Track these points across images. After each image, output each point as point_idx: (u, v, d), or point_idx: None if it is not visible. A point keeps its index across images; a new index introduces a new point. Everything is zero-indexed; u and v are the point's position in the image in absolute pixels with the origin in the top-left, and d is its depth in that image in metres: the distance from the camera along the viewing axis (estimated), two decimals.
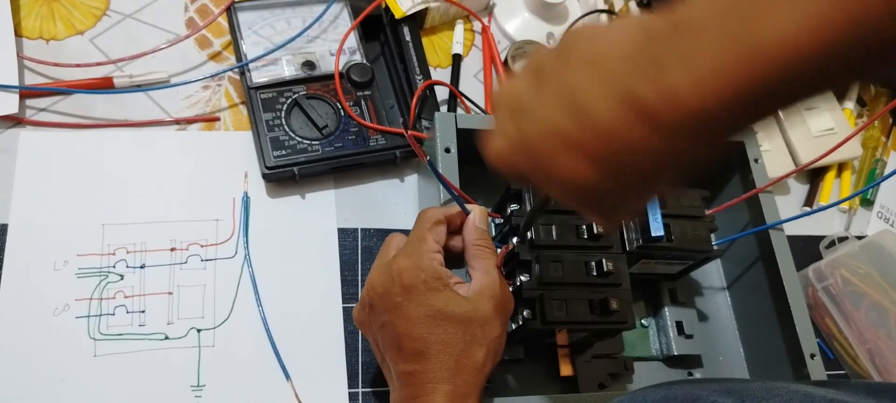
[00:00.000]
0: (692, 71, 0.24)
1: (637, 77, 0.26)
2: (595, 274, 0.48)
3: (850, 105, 0.77)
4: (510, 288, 0.47)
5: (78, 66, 0.58)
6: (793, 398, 0.35)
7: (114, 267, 0.52)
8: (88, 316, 0.50)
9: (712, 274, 0.63)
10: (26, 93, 0.56)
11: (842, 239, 0.67)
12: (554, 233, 0.48)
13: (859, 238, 0.67)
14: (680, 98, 0.25)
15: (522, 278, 0.48)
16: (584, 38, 0.28)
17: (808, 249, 0.67)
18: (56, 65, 0.58)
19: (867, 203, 0.73)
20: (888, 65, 0.24)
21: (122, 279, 0.52)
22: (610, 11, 0.70)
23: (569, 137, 0.28)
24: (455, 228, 0.47)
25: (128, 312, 0.51)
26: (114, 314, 0.50)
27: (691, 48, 0.24)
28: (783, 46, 0.23)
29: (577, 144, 0.28)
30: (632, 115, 0.26)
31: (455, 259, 0.47)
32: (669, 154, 0.27)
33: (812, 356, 0.53)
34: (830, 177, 0.73)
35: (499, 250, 0.47)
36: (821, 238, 0.68)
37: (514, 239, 0.48)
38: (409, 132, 0.52)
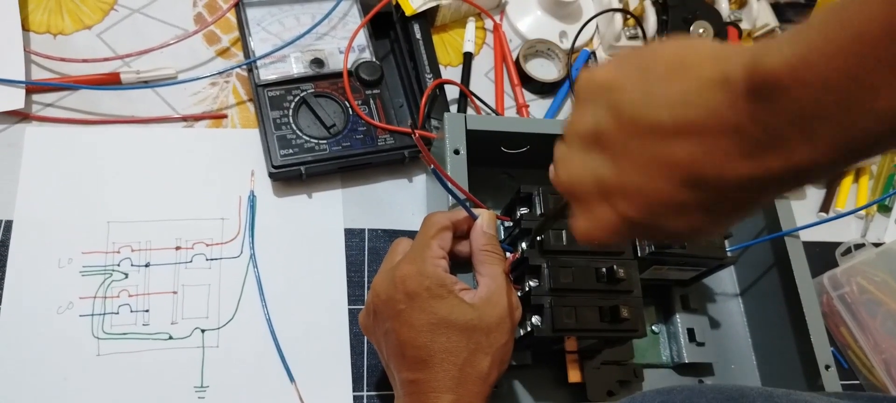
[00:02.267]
0: (816, 147, 0.24)
1: (764, 149, 0.25)
2: (606, 280, 0.47)
3: None
4: (519, 294, 0.46)
5: (85, 61, 0.58)
6: None
7: (118, 265, 0.51)
8: (92, 315, 0.49)
9: (725, 280, 0.62)
10: (33, 88, 0.56)
11: (858, 246, 0.65)
12: (564, 238, 0.47)
13: (876, 245, 0.66)
14: (802, 165, 0.25)
15: (531, 283, 0.47)
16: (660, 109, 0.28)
17: (823, 256, 0.66)
18: (63, 60, 0.57)
19: (885, 209, 0.71)
20: None
21: (126, 277, 0.51)
22: (624, 11, 0.69)
23: (683, 204, 0.28)
24: (463, 232, 0.46)
25: (132, 311, 0.50)
26: (118, 313, 0.50)
27: (811, 123, 0.24)
28: None
29: (692, 205, 0.28)
30: (751, 177, 0.26)
31: (462, 264, 0.46)
32: (776, 191, 0.28)
33: (827, 367, 0.51)
34: (847, 182, 0.71)
35: (508, 255, 0.46)
36: (837, 244, 0.66)
37: (524, 245, 0.47)
38: (417, 132, 0.52)
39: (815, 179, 0.27)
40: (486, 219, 0.45)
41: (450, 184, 0.46)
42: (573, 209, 0.33)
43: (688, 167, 0.27)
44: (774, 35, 0.75)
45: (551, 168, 0.34)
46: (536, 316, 0.46)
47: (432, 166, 0.44)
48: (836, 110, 0.23)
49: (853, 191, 0.71)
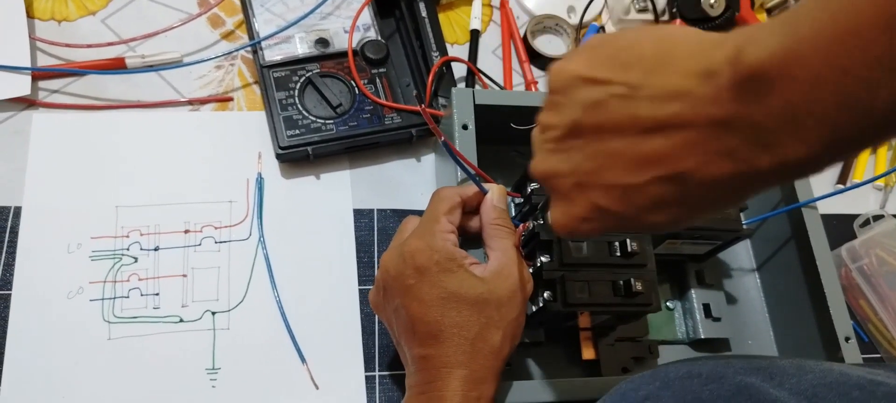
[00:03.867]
0: (808, 145, 0.23)
1: (752, 147, 0.24)
2: (618, 254, 0.46)
3: None
4: (530, 269, 0.45)
5: (90, 46, 0.57)
6: (827, 376, 0.33)
7: (127, 249, 0.51)
8: (102, 299, 0.49)
9: (741, 254, 0.61)
10: (39, 74, 0.56)
11: (877, 218, 0.64)
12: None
13: (895, 216, 0.64)
14: (792, 163, 0.24)
15: (543, 258, 0.46)
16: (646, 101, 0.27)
17: (841, 228, 0.65)
18: (68, 46, 0.57)
19: None
20: None
21: (135, 261, 0.51)
22: None
23: (662, 200, 0.27)
24: (472, 208, 0.45)
25: (142, 295, 0.50)
26: (128, 297, 0.50)
27: (802, 120, 0.23)
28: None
29: (672, 201, 0.27)
30: (737, 174, 0.25)
31: (473, 239, 0.45)
32: (761, 189, 0.27)
33: (847, 339, 0.50)
34: (865, 153, 0.70)
35: (517, 228, 0.46)
36: (855, 216, 0.65)
37: (534, 221, 0.47)
38: (425, 108, 0.51)
39: (803, 175, 0.25)
40: (496, 193, 0.45)
41: (459, 158, 0.46)
42: (551, 200, 0.32)
43: (669, 165, 0.26)
44: (787, 5, 0.74)
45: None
46: (548, 292, 0.46)
47: (443, 139, 0.43)
48: (828, 106, 0.22)
49: (871, 162, 0.70)
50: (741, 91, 0.23)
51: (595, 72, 0.28)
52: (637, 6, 0.68)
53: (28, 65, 0.55)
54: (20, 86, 0.54)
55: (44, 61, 0.57)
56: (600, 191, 0.29)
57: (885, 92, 0.21)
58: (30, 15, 0.58)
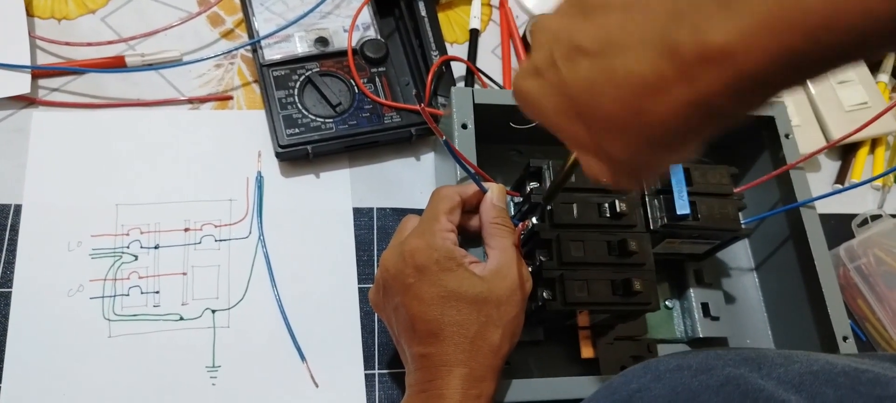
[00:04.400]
0: (739, 24, 0.23)
1: (679, 25, 0.24)
2: (617, 253, 0.46)
3: (884, 78, 0.73)
4: (530, 268, 0.45)
5: (90, 45, 0.57)
6: (812, 364, 0.33)
7: (128, 247, 0.51)
8: (103, 297, 0.49)
9: (740, 253, 0.61)
10: (38, 72, 0.56)
11: (875, 218, 0.64)
12: (575, 212, 0.47)
13: (893, 216, 0.64)
14: (723, 52, 0.23)
15: (542, 257, 0.46)
16: None
17: (839, 228, 0.65)
18: (68, 44, 0.57)
19: None
20: None
21: (136, 259, 0.51)
22: None
23: (595, 69, 0.27)
24: (472, 206, 0.46)
25: (142, 293, 0.50)
26: (128, 294, 0.50)
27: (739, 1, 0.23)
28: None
29: (602, 77, 0.27)
30: (666, 62, 0.25)
31: (472, 238, 0.45)
32: (698, 108, 0.25)
33: (844, 338, 0.51)
34: (863, 153, 0.70)
35: (517, 226, 0.46)
36: (853, 216, 0.65)
37: (534, 220, 0.47)
38: (425, 107, 0.51)
39: (747, 85, 0.24)
40: (495, 192, 0.45)
41: (459, 156, 0.46)
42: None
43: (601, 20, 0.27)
44: None
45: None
46: (547, 291, 0.46)
47: (444, 139, 0.43)
48: None
49: (869, 163, 0.70)
50: None
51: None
52: None
53: (28, 63, 0.55)
54: (20, 84, 0.54)
55: (44, 59, 0.57)
56: (558, 48, 0.29)
57: None
58: (30, 13, 0.58)
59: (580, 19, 0.28)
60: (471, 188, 0.45)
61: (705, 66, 0.24)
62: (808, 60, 0.23)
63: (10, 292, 0.48)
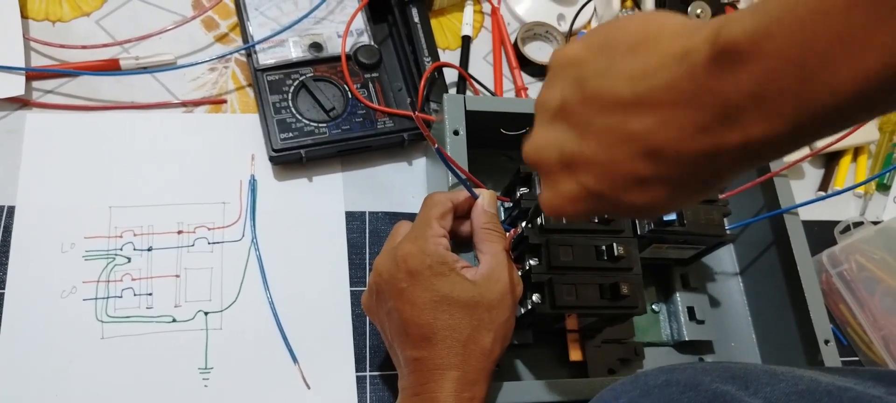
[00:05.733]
0: (773, 122, 0.24)
1: (721, 124, 0.25)
2: (606, 258, 0.47)
3: None
4: (519, 273, 0.46)
5: (84, 47, 0.58)
6: (798, 383, 0.34)
7: (121, 249, 0.52)
8: (96, 299, 0.50)
9: (725, 259, 0.62)
10: (32, 74, 0.56)
11: (857, 225, 0.66)
12: (564, 217, 0.48)
13: (875, 223, 0.66)
14: (758, 140, 0.25)
15: (532, 262, 0.47)
16: (626, 64, 0.28)
17: (822, 234, 0.66)
18: (62, 46, 0.57)
19: (883, 188, 0.72)
20: None
21: (129, 261, 0.51)
22: None
23: (641, 177, 0.28)
24: (463, 212, 0.46)
25: (135, 295, 0.50)
26: (121, 296, 0.50)
27: (768, 96, 0.24)
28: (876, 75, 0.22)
29: (650, 179, 0.28)
30: (708, 151, 0.26)
31: (464, 243, 0.46)
32: (735, 167, 0.27)
33: (826, 342, 0.52)
34: (846, 161, 0.71)
35: (508, 233, 0.46)
36: (835, 223, 0.67)
37: (523, 224, 0.48)
38: (418, 114, 0.52)
39: (774, 156, 0.27)
40: (486, 198, 0.46)
41: (451, 163, 0.47)
42: (540, 181, 0.33)
43: (646, 140, 0.27)
44: None
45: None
46: (537, 295, 0.47)
47: (436, 147, 0.44)
48: (792, 82, 0.23)
49: (852, 171, 0.72)
50: (714, 67, 0.24)
51: (583, 53, 0.30)
52: (625, 15, 0.69)
53: (22, 65, 0.55)
54: (14, 86, 0.54)
55: (38, 61, 0.57)
56: (584, 170, 0.30)
57: (844, 69, 0.21)
58: (24, 15, 0.58)
59: (582, 124, 0.29)
60: (462, 194, 0.46)
61: (744, 157, 0.26)
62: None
63: (3, 293, 0.48)
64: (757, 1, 0.24)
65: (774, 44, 0.23)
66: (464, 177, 0.48)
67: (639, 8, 0.69)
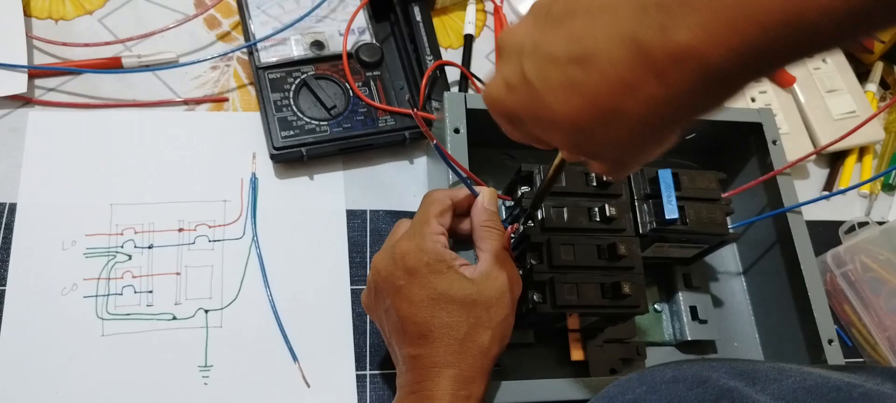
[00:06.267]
0: (702, 21, 0.23)
1: (646, 25, 0.25)
2: (607, 257, 0.47)
3: (872, 87, 0.75)
4: (520, 272, 0.46)
5: (86, 45, 0.58)
6: (806, 379, 0.34)
7: (122, 247, 0.52)
8: (96, 296, 0.50)
9: (728, 258, 0.62)
10: (35, 72, 0.56)
11: (862, 225, 0.65)
12: (565, 216, 0.47)
13: (880, 223, 0.65)
14: (690, 50, 0.24)
15: (533, 261, 0.47)
16: None
17: (826, 234, 0.66)
18: (64, 44, 0.58)
19: (889, 188, 0.71)
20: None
21: (129, 259, 0.51)
22: None
23: (568, 77, 0.27)
24: (464, 210, 0.46)
25: (136, 292, 0.50)
26: (121, 294, 0.50)
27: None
28: None
29: (576, 84, 0.27)
30: (637, 63, 0.25)
31: (464, 241, 0.46)
32: (672, 104, 0.26)
33: (830, 341, 0.51)
34: (851, 161, 0.71)
35: (507, 228, 0.46)
36: (840, 223, 0.66)
37: (522, 223, 0.47)
38: (418, 112, 0.52)
39: (722, 91, 0.26)
40: (486, 196, 0.45)
41: (450, 161, 0.47)
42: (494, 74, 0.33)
43: (580, 39, 0.27)
44: None
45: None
46: (538, 294, 0.46)
47: (434, 143, 0.44)
48: None
49: (857, 171, 0.71)
50: None
51: (534, 9, 0.30)
52: None
53: (25, 63, 0.55)
54: (17, 83, 0.54)
55: (40, 59, 0.57)
56: (527, 56, 0.29)
57: None
58: (27, 13, 0.59)
59: (547, 28, 0.29)
60: (462, 192, 0.46)
61: (674, 64, 0.24)
62: (769, 54, 0.24)
63: (4, 290, 0.48)
64: None
65: None
66: (464, 174, 0.48)
67: None
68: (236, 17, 0.63)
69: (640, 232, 0.51)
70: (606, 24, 0.26)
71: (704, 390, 0.33)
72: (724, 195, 0.53)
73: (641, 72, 0.25)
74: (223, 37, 0.62)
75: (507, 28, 0.31)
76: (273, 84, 0.57)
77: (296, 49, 0.59)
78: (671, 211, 0.49)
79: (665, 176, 0.50)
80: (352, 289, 0.54)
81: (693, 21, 0.23)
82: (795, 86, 0.70)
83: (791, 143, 0.65)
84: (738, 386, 0.33)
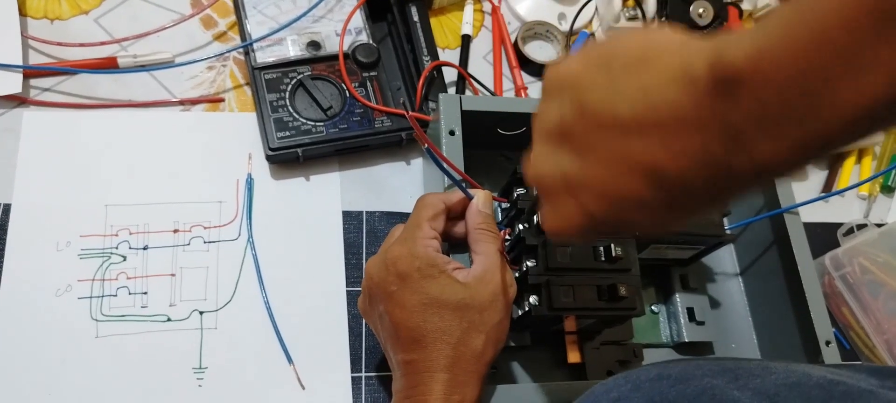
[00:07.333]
0: (779, 145, 0.23)
1: (726, 148, 0.25)
2: (603, 259, 0.47)
3: None
4: (516, 274, 0.46)
5: (82, 45, 0.58)
6: (789, 376, 0.33)
7: (116, 248, 0.51)
8: (90, 297, 0.49)
9: (725, 259, 0.62)
10: (30, 72, 0.56)
11: (860, 227, 0.65)
12: (567, 241, 0.47)
13: (879, 226, 0.65)
14: (764, 164, 0.24)
15: (529, 263, 0.47)
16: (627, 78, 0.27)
17: (825, 236, 0.66)
18: (60, 44, 0.57)
19: (887, 190, 0.71)
20: None
21: (124, 260, 0.51)
22: None
23: (644, 200, 0.27)
24: (458, 213, 0.46)
25: (130, 293, 0.50)
26: (116, 295, 0.50)
27: (773, 120, 0.23)
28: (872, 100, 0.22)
29: (654, 202, 0.27)
30: (714, 175, 0.25)
31: (459, 244, 0.46)
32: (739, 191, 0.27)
33: (827, 343, 0.51)
34: (850, 162, 0.70)
35: (502, 231, 0.46)
36: (838, 225, 0.66)
37: (519, 225, 0.47)
38: (411, 113, 0.51)
39: (781, 176, 0.26)
40: (481, 199, 0.45)
41: (445, 165, 0.46)
42: (542, 204, 0.32)
43: (649, 163, 0.26)
44: None
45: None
46: (534, 296, 0.46)
47: (426, 146, 0.44)
48: (796, 105, 0.22)
49: (856, 173, 0.71)
50: (717, 91, 0.24)
51: (581, 73, 0.29)
52: (627, 14, 0.69)
53: (20, 62, 0.55)
54: (11, 83, 0.54)
55: (36, 59, 0.57)
56: (586, 193, 0.29)
57: (847, 89, 0.21)
58: (22, 13, 0.58)
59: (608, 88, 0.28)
60: (456, 195, 0.46)
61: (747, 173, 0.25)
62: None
63: None
64: (757, 23, 0.24)
65: (776, 66, 0.22)
66: (458, 176, 0.47)
67: (640, 7, 0.68)
68: (232, 17, 0.62)
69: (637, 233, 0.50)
70: (665, 146, 0.26)
71: (686, 386, 0.33)
72: None
73: (718, 178, 0.26)
74: (219, 37, 0.62)
75: (536, 156, 0.32)
76: (269, 84, 0.57)
77: (292, 49, 0.59)
78: None
79: None
80: (348, 291, 0.54)
81: (770, 145, 0.24)
82: None
83: None
84: (719, 383, 0.33)
